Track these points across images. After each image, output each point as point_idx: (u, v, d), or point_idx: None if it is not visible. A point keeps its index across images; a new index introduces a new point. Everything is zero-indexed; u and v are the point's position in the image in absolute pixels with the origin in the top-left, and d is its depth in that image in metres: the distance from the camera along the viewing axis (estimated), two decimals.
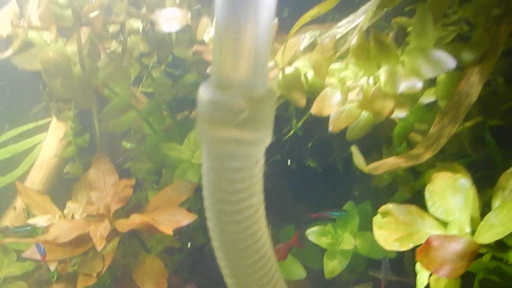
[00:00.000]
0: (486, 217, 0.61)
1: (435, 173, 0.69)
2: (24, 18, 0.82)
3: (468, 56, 0.75)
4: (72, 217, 0.93)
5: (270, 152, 1.01)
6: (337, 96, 0.76)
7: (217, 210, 0.41)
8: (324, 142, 0.97)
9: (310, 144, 0.97)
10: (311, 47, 0.92)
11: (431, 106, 0.86)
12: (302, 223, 1.00)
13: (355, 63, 0.73)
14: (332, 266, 0.92)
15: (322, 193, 1.04)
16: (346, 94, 0.74)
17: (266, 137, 0.40)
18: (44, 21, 0.80)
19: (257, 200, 0.42)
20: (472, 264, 0.69)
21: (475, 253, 0.58)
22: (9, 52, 0.83)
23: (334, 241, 0.92)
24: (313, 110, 0.77)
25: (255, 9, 0.34)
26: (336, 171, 0.99)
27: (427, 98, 0.85)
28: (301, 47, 0.92)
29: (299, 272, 1.01)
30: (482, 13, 0.78)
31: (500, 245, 0.71)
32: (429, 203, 0.68)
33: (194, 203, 0.99)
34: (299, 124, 0.94)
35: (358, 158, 0.70)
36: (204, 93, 0.37)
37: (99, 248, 0.84)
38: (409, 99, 0.77)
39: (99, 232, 0.85)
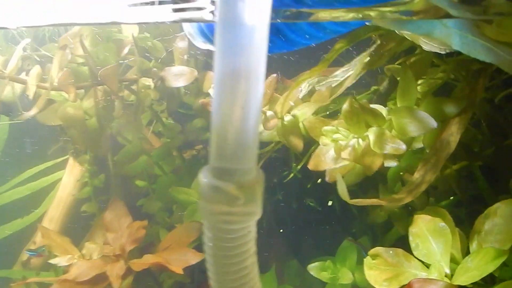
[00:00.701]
0: (463, 261, 0.67)
1: (417, 215, 0.75)
2: (47, 80, 0.90)
3: (450, 109, 0.82)
4: (90, 257, 1.00)
5: (272, 192, 1.10)
6: (331, 153, 0.83)
7: (219, 272, 0.48)
8: (323, 183, 1.04)
9: (309, 185, 1.04)
10: (309, 94, 1.00)
11: (421, 152, 0.93)
12: (304, 258, 1.06)
13: (346, 126, 0.80)
14: None
15: (322, 230, 1.11)
16: (339, 152, 0.81)
17: (256, 211, 0.46)
18: (64, 83, 0.89)
19: (250, 262, 0.49)
20: None
21: None
22: (34, 111, 0.92)
23: (334, 276, 0.98)
24: (310, 166, 0.84)
25: (243, 101, 0.41)
26: (334, 210, 1.06)
27: (417, 144, 0.92)
28: (300, 95, 1.00)
29: None
30: (462, 68, 0.85)
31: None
32: (412, 245, 0.74)
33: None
34: (299, 167, 1.01)
35: (341, 188, 0.77)
36: (203, 177, 0.44)
37: (115, 286, 0.91)
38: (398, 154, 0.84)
39: (115, 271, 0.93)
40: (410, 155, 0.96)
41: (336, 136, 0.79)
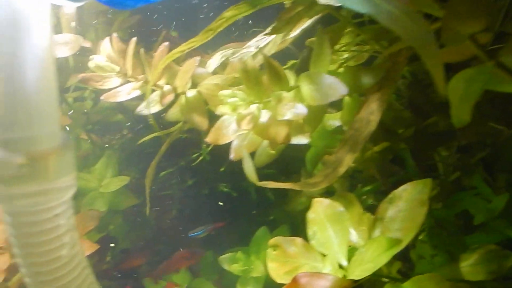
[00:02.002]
0: (357, 252, 0.58)
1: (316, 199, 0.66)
2: None
3: (369, 79, 0.73)
4: None
5: (181, 177, 1.00)
6: (233, 125, 0.74)
7: (27, 263, 0.39)
8: (238, 166, 0.95)
9: (222, 168, 0.95)
10: (222, 67, 0.90)
11: (340, 131, 0.85)
12: (220, 249, 0.97)
13: (244, 89, 0.71)
14: None
15: (237, 218, 1.02)
16: (239, 122, 0.71)
17: (63, 188, 0.37)
18: None
19: (67, 252, 0.39)
20: None
21: None
22: None
23: (246, 268, 0.89)
24: (209, 139, 0.75)
25: (17, 64, 0.31)
26: (250, 196, 0.97)
27: (335, 122, 0.84)
28: (210, 69, 0.90)
29: None
30: (384, 36, 0.77)
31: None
32: (309, 233, 0.65)
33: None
34: (209, 149, 0.92)
35: (247, 167, 0.67)
36: None
37: None
38: (308, 125, 0.75)
39: None
40: (328, 135, 0.87)
41: (232, 100, 0.69)
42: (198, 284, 1.03)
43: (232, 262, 0.90)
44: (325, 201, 0.64)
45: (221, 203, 1.00)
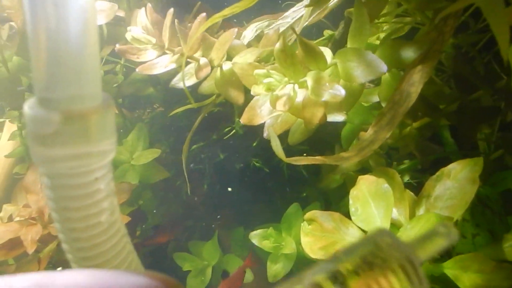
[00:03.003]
0: (402, 228, 0.56)
1: (361, 176, 0.64)
2: None
3: (410, 54, 0.70)
4: (8, 220, 0.89)
5: (214, 150, 0.99)
6: (267, 105, 0.72)
7: (65, 228, 0.37)
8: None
9: (254, 143, 0.93)
10: (257, 39, 0.88)
11: (377, 107, 0.82)
12: (251, 225, 0.96)
13: (279, 69, 0.68)
14: (276, 270, 0.88)
15: (269, 194, 1.00)
16: (274, 103, 0.69)
17: (102, 150, 0.35)
18: None
19: (107, 218, 0.38)
20: None
21: None
22: None
23: (277, 245, 0.88)
24: (243, 119, 0.73)
25: (60, 15, 0.29)
26: (283, 172, 0.95)
27: (372, 98, 0.81)
28: (245, 41, 0.87)
29: (246, 276, 0.98)
30: (428, 7, 0.73)
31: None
32: (352, 209, 0.63)
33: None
34: (242, 123, 0.89)
35: (275, 144, 0.65)
36: (27, 108, 0.33)
37: (29, 251, 0.81)
38: (345, 102, 0.72)
39: (30, 235, 0.82)
40: (365, 111, 0.84)
41: (267, 80, 0.67)
42: (228, 260, 1.02)
43: (262, 238, 0.89)
44: (370, 178, 0.62)
45: (252, 179, 0.99)
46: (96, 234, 0.38)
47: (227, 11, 0.68)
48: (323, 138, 0.91)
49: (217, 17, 0.70)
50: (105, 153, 0.36)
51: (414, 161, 0.86)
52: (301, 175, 0.94)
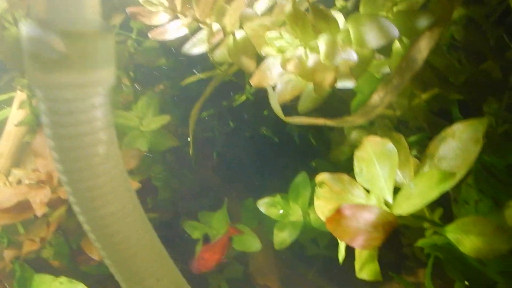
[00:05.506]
0: (405, 187, 0.57)
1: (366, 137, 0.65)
2: None
3: (423, 22, 0.71)
4: (17, 183, 0.91)
5: (224, 118, 0.99)
6: (278, 68, 0.72)
7: (61, 158, 0.38)
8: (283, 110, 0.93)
9: (265, 112, 0.94)
10: (270, 8, 0.88)
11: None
12: (260, 195, 0.97)
13: (290, 32, 0.69)
14: (282, 237, 0.90)
15: (280, 165, 1.01)
16: (285, 64, 0.69)
17: (101, 78, 0.36)
18: None
19: (104, 151, 0.39)
20: (420, 241, 0.66)
21: (391, 224, 0.55)
22: None
23: (284, 213, 0.89)
24: (253, 81, 0.73)
25: None
26: (293, 142, 0.96)
27: (383, 69, 0.82)
28: (259, 9, 0.88)
29: (255, 245, 0.99)
30: None
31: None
32: (356, 170, 0.64)
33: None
34: (252, 91, 0.91)
35: (273, 102, 0.66)
36: (25, 30, 0.34)
37: (38, 214, 0.83)
38: (356, 69, 0.73)
39: (39, 198, 0.84)
40: (376, 82, 0.85)
41: (279, 43, 0.67)
42: None
43: (270, 206, 0.90)
44: (376, 138, 0.63)
45: (262, 149, 1.00)
46: (92, 164, 0.38)
47: None
48: (334, 109, 0.92)
49: None
50: (103, 80, 0.36)
51: (423, 134, 0.87)
52: (311, 147, 0.95)
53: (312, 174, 0.93)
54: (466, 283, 0.65)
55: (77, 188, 0.39)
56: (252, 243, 0.99)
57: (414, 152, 0.89)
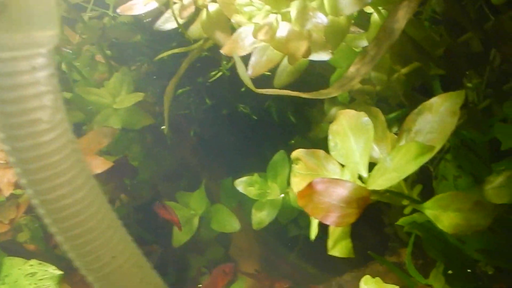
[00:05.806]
0: (381, 161, 0.55)
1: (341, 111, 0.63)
2: None
3: None
4: None
5: (200, 96, 0.97)
6: (250, 37, 0.70)
7: (3, 125, 0.35)
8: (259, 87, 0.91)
9: (243, 89, 0.91)
10: None
11: None
12: (238, 174, 0.95)
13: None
14: (260, 217, 0.88)
15: (259, 143, 0.99)
16: (256, 32, 0.67)
17: (43, 39, 0.33)
18: None
19: (49, 117, 0.36)
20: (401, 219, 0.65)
21: (365, 200, 0.53)
22: None
23: (262, 192, 0.87)
24: (224, 50, 0.71)
25: None
26: (272, 119, 0.94)
27: (361, 43, 0.80)
28: None
29: (233, 225, 0.97)
30: None
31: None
32: (331, 144, 0.63)
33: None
34: (229, 65, 0.88)
35: (241, 71, 0.64)
36: None
37: (5, 194, 0.81)
38: (331, 38, 0.71)
39: (6, 178, 0.81)
40: (354, 55, 0.83)
41: (248, 9, 0.65)
42: (216, 209, 1.01)
43: (247, 185, 0.88)
44: (351, 112, 0.61)
45: (241, 126, 0.97)
46: (36, 132, 0.35)
47: None
48: (313, 85, 0.90)
49: None
50: (44, 41, 0.34)
51: (403, 110, 0.85)
52: (291, 125, 0.93)
53: (291, 151, 0.91)
54: None
55: (21, 159, 0.36)
56: (230, 223, 0.97)
57: (395, 129, 0.87)
